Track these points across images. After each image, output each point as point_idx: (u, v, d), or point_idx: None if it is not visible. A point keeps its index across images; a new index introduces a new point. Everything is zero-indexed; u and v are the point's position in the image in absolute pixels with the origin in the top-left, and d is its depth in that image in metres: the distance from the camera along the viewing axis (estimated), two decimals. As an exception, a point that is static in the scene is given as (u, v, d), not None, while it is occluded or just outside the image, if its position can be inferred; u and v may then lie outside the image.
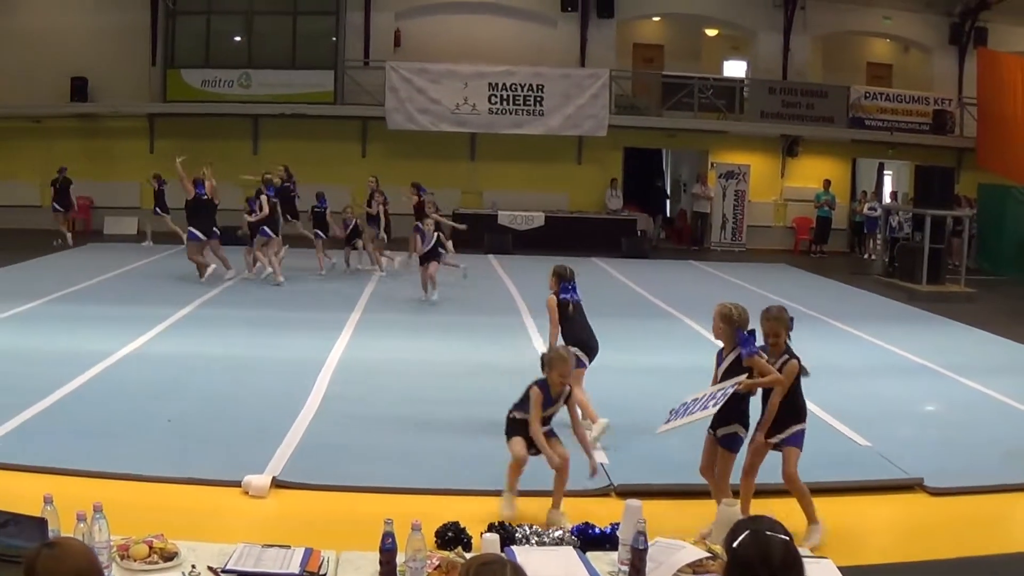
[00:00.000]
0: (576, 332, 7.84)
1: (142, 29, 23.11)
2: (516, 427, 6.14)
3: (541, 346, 11.28)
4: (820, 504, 6.18)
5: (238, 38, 23.49)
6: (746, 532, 2.75)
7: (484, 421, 8.29)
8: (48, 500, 3.94)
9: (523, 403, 6.14)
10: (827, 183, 23.78)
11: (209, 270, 15.87)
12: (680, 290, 16.45)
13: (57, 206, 19.92)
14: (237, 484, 6.43)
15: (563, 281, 7.98)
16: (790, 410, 5.91)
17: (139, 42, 23.08)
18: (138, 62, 23.04)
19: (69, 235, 19.84)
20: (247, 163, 22.72)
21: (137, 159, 22.52)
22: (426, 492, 6.50)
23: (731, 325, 5.90)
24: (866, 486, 6.96)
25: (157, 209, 20.00)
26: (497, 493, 6.28)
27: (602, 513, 6.08)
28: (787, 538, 2.75)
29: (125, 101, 22.99)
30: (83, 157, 22.23)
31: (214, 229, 16.10)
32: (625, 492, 6.43)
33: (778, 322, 6.05)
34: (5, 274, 16.30)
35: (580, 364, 7.61)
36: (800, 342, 12.06)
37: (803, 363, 6.02)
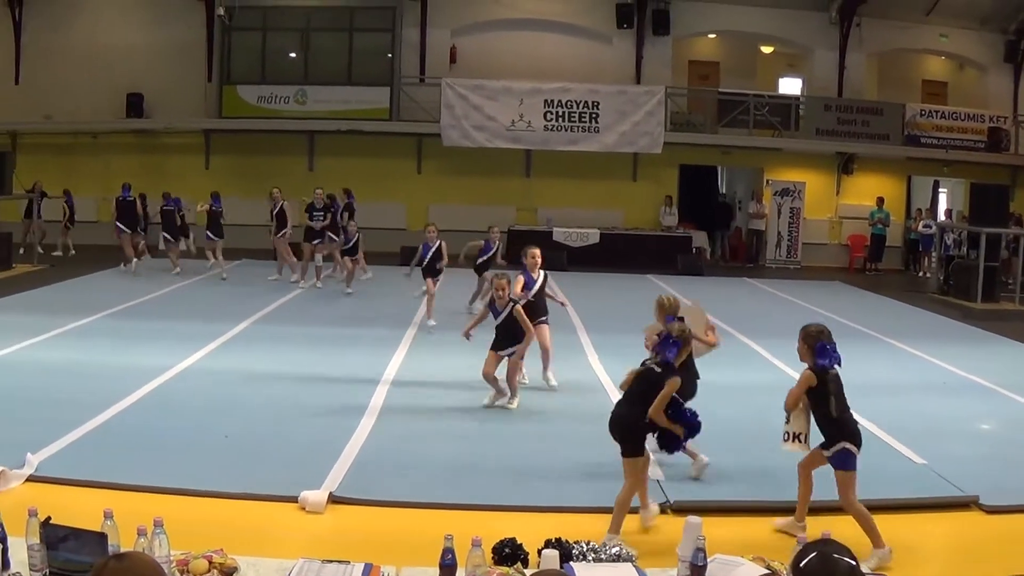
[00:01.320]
0: None
1: (198, 45, 23.25)
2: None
3: (597, 363, 11.39)
4: (875, 521, 6.12)
5: (294, 54, 23.52)
6: (813, 554, 2.78)
7: (539, 436, 8.30)
8: (108, 515, 3.93)
9: None
10: (881, 200, 23.56)
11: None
12: (735, 308, 16.26)
13: (121, 226, 19.29)
14: (294, 499, 6.39)
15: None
16: (830, 423, 5.96)
17: (195, 58, 23.23)
18: (194, 78, 23.16)
19: (134, 260, 18.58)
20: (303, 179, 22.79)
21: (193, 175, 22.57)
22: (483, 508, 6.43)
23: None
24: (922, 504, 6.86)
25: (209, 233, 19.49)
26: (556, 509, 6.38)
27: (657, 530, 6.09)
28: (853, 562, 2.75)
29: (181, 117, 23.09)
30: (139, 173, 22.19)
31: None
32: (681, 509, 6.40)
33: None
34: (63, 288, 16.40)
35: None
36: (855, 360, 11.91)
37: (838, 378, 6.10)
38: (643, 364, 6.31)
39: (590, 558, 5.10)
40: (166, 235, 18.79)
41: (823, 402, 5.96)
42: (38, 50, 23.74)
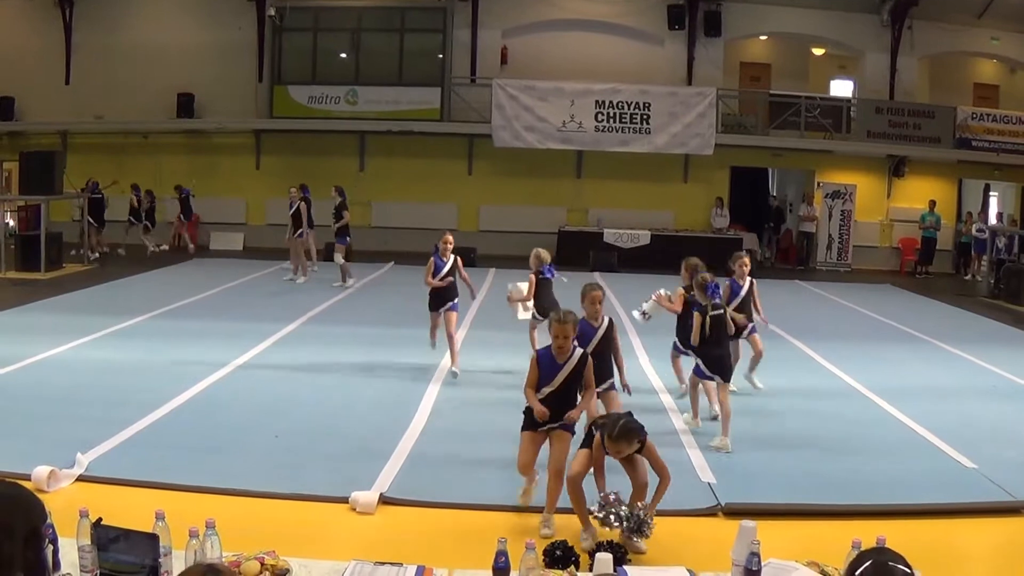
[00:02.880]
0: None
1: (249, 46, 23.27)
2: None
3: (647, 364, 11.26)
4: (925, 527, 6.24)
5: (345, 55, 23.50)
6: (869, 562, 2.79)
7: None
8: (160, 516, 3.94)
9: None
10: (932, 204, 23.34)
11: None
12: (786, 311, 16.14)
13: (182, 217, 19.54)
14: (344, 500, 6.33)
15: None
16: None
17: (246, 58, 23.25)
18: (245, 78, 23.18)
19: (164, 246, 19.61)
20: (354, 180, 22.80)
21: (244, 175, 22.62)
22: (535, 511, 6.32)
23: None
24: (972, 508, 6.76)
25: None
26: None
27: (709, 533, 6.00)
28: (908, 571, 2.76)
29: (232, 117, 23.13)
30: (189, 172, 22.36)
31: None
32: (733, 511, 6.33)
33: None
34: (114, 288, 16.48)
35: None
36: (905, 364, 11.85)
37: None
38: (708, 311, 8.07)
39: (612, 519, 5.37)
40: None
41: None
42: (88, 50, 23.84)
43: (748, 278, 9.87)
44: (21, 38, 24.16)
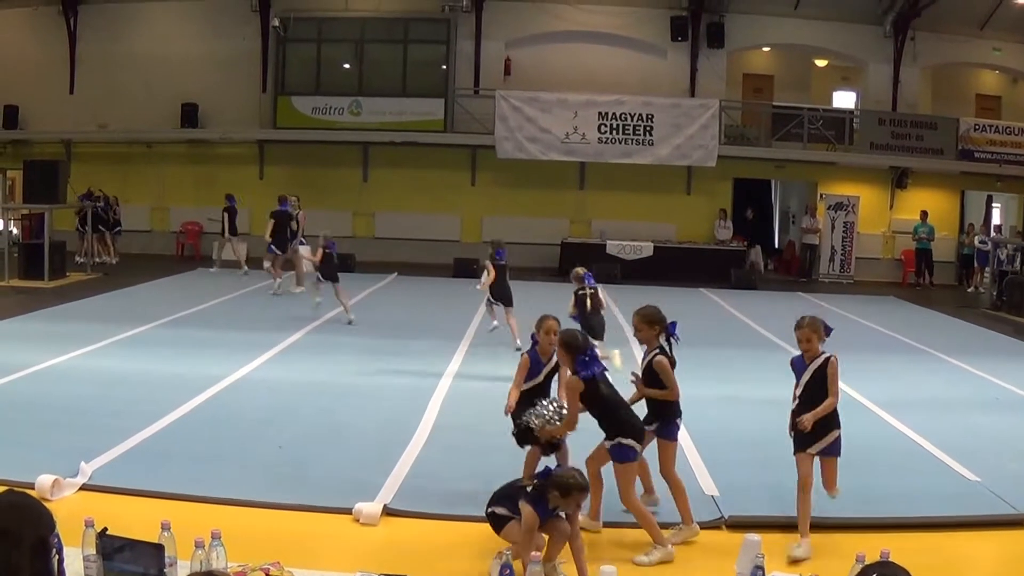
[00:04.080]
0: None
1: (253, 56, 23.33)
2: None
3: None
4: (928, 539, 6.23)
5: (348, 66, 23.55)
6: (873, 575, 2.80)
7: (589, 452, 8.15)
8: (166, 526, 3.99)
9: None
10: (924, 215, 23.34)
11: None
12: (789, 322, 16.07)
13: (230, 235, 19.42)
14: (348, 511, 6.31)
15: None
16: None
17: (250, 69, 23.31)
18: (249, 89, 23.25)
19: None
20: (358, 190, 22.87)
21: (247, 185, 22.61)
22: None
23: None
24: (975, 521, 6.74)
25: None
26: (613, 524, 6.26)
27: (713, 546, 5.99)
28: None
29: (235, 127, 23.16)
30: (193, 182, 22.39)
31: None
32: (736, 524, 6.33)
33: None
34: (116, 297, 16.48)
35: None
36: (908, 376, 11.79)
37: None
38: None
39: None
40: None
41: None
42: (93, 59, 23.91)
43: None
44: (25, 47, 24.23)
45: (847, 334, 15.50)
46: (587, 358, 5.93)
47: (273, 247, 16.99)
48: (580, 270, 10.93)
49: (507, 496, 5.50)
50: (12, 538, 2.86)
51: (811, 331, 6.17)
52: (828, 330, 6.30)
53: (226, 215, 20.09)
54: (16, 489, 3.08)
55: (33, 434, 7.95)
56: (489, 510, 5.57)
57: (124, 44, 23.66)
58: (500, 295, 12.37)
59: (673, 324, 6.41)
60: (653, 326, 6.36)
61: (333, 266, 14.25)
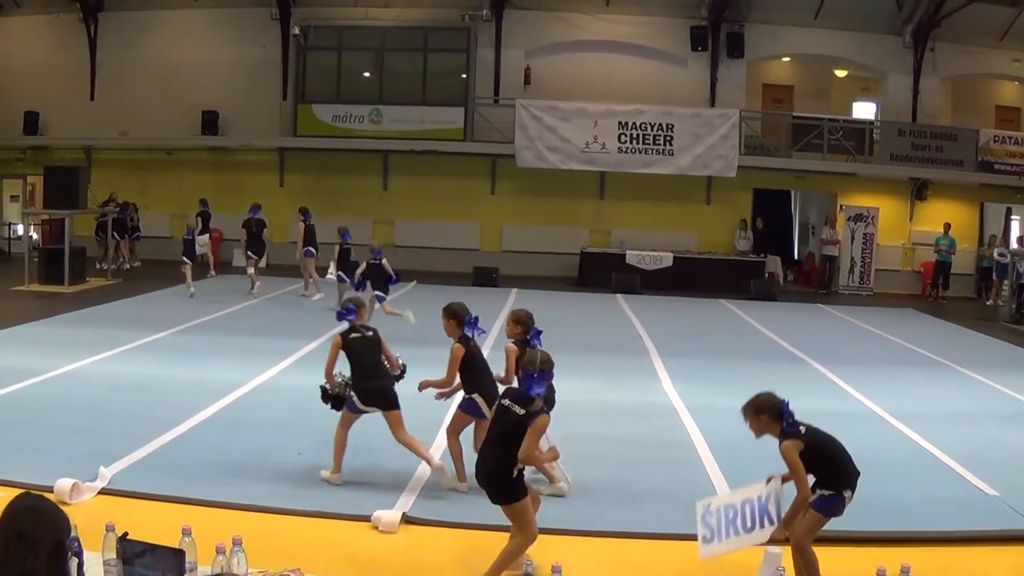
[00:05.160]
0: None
1: (273, 64, 23.37)
2: None
3: (671, 387, 11.23)
4: (949, 553, 6.25)
5: (368, 74, 23.57)
6: None
7: (612, 461, 8.16)
8: (186, 532, 3.99)
9: None
10: (947, 227, 23.26)
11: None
12: (808, 334, 16.19)
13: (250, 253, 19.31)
14: (366, 519, 6.33)
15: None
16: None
17: (270, 77, 23.35)
18: (269, 97, 23.28)
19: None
20: (378, 199, 22.87)
21: (267, 192, 22.61)
22: (559, 532, 6.32)
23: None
24: (992, 536, 6.70)
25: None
26: (630, 535, 6.31)
27: (733, 559, 5.92)
28: None
29: (256, 135, 23.19)
30: (213, 189, 22.38)
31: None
32: None
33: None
34: (135, 303, 16.53)
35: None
36: (926, 387, 11.79)
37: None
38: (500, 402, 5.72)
39: None
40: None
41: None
42: (113, 66, 23.98)
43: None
44: (46, 54, 24.31)
45: (866, 346, 15.68)
46: (474, 319, 7.19)
47: (250, 252, 18.02)
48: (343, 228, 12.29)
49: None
50: (29, 542, 2.87)
51: (746, 415, 5.77)
52: (769, 409, 5.76)
53: (199, 219, 20.44)
54: (33, 493, 3.08)
55: (52, 438, 8.00)
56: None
57: (144, 51, 23.72)
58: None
59: (537, 332, 7.32)
60: (516, 325, 7.44)
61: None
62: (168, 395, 9.75)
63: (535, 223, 22.87)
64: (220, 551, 3.83)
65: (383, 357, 7.53)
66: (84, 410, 9.02)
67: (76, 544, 3.50)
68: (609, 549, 6.18)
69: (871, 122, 24.65)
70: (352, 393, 7.19)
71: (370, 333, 7.50)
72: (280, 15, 23.20)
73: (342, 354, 7.35)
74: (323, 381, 7.34)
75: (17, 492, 3.11)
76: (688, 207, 23.33)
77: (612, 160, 22.64)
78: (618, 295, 20.39)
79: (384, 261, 14.10)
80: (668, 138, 22.59)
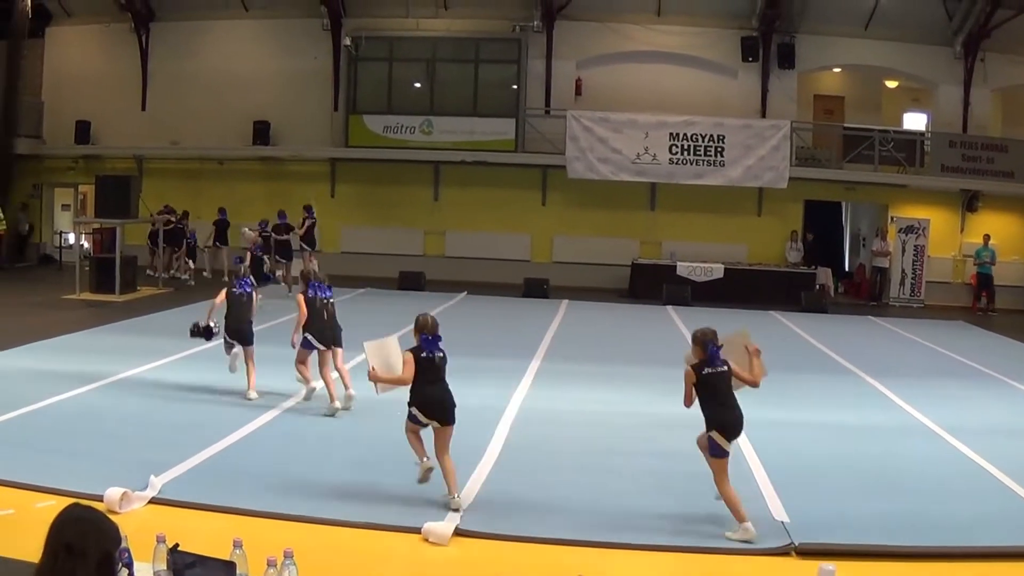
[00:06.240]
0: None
1: (324, 75, 23.45)
2: None
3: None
4: (1002, 569, 6.22)
5: (419, 85, 23.62)
6: None
7: (661, 474, 8.08)
8: (238, 544, 3.90)
9: None
10: (986, 238, 23.08)
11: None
12: (859, 346, 16.09)
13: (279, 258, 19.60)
14: (417, 531, 6.29)
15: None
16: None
17: (321, 87, 23.43)
18: (320, 107, 23.37)
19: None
20: (428, 209, 22.88)
21: (318, 203, 22.65)
22: (608, 546, 6.30)
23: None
24: None
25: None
26: (679, 549, 6.26)
27: (782, 574, 5.97)
28: None
29: (307, 145, 23.29)
30: (264, 199, 22.48)
31: None
32: (806, 551, 6.26)
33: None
34: (186, 312, 16.32)
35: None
36: (979, 401, 11.76)
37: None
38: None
39: None
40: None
41: None
42: (164, 76, 24.13)
43: None
44: (98, 64, 24.50)
45: (918, 359, 15.59)
46: (429, 339, 7.21)
47: (278, 257, 19.32)
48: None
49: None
50: (77, 553, 2.84)
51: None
52: (701, 341, 6.71)
53: (214, 227, 21.29)
54: (82, 503, 3.04)
55: (102, 447, 8.05)
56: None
57: (196, 61, 23.87)
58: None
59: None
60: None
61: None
62: (219, 405, 9.82)
63: (586, 234, 22.86)
64: (271, 564, 3.78)
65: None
66: (135, 419, 9.08)
67: (126, 555, 3.46)
68: (658, 562, 6.16)
69: (922, 133, 24.50)
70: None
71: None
72: (331, 26, 23.31)
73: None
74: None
75: (68, 501, 3.08)
76: (739, 218, 23.25)
77: (663, 171, 22.59)
78: (669, 307, 20.33)
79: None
80: (719, 149, 22.52)
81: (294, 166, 23.67)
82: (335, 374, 10.04)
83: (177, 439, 8.28)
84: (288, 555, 3.82)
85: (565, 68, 23.25)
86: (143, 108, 24.21)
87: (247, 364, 10.28)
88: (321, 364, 9.88)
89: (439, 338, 7.29)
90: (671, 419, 9.88)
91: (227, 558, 3.82)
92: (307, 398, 10.01)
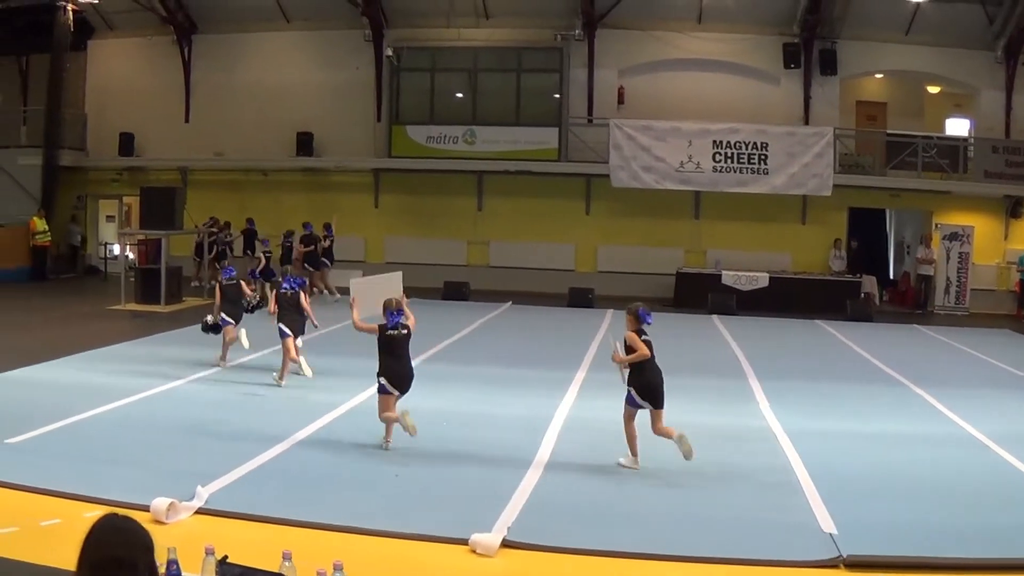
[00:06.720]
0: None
1: (367, 85, 23.53)
2: None
3: (768, 410, 11.09)
4: None
5: (462, 95, 23.66)
6: None
7: (709, 485, 8.03)
8: (287, 556, 3.88)
9: None
10: (1030, 244, 23.04)
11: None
12: (905, 355, 15.97)
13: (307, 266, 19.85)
14: (464, 542, 6.25)
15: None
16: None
17: (364, 98, 23.52)
18: (363, 118, 23.46)
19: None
20: (472, 219, 22.91)
21: (362, 213, 22.83)
22: (655, 557, 6.25)
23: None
24: None
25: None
26: (727, 561, 6.18)
27: None
28: None
29: (351, 156, 23.36)
30: (308, 210, 22.55)
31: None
32: (855, 564, 6.20)
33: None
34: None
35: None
36: (1020, 412, 11.46)
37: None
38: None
39: None
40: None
41: None
42: (207, 88, 24.26)
43: None
44: (141, 76, 24.66)
45: (963, 368, 15.45)
46: (394, 313, 8.75)
47: (307, 266, 19.81)
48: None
49: None
50: (127, 566, 2.74)
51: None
52: (633, 312, 8.43)
53: (242, 236, 21.65)
54: (119, 513, 2.91)
55: (149, 457, 8.08)
56: None
57: (238, 73, 23.99)
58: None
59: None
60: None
61: None
62: (265, 414, 9.87)
63: (630, 243, 22.84)
64: (321, 575, 3.80)
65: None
66: (181, 429, 9.13)
67: (175, 567, 3.48)
68: (706, 574, 6.14)
69: (964, 139, 24.37)
70: None
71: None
72: (373, 36, 23.39)
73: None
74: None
75: (115, 511, 2.98)
76: (783, 227, 23.18)
77: (707, 180, 22.53)
78: (714, 316, 20.30)
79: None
80: (763, 157, 22.44)
81: (338, 177, 23.75)
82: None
83: (224, 449, 8.35)
84: (338, 567, 3.79)
85: (607, 76, 23.24)
86: (186, 120, 24.35)
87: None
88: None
89: (401, 312, 8.83)
90: (717, 430, 9.99)
91: (276, 570, 3.81)
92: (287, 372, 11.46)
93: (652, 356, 8.23)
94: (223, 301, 12.47)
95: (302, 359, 11.83)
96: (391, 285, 9.99)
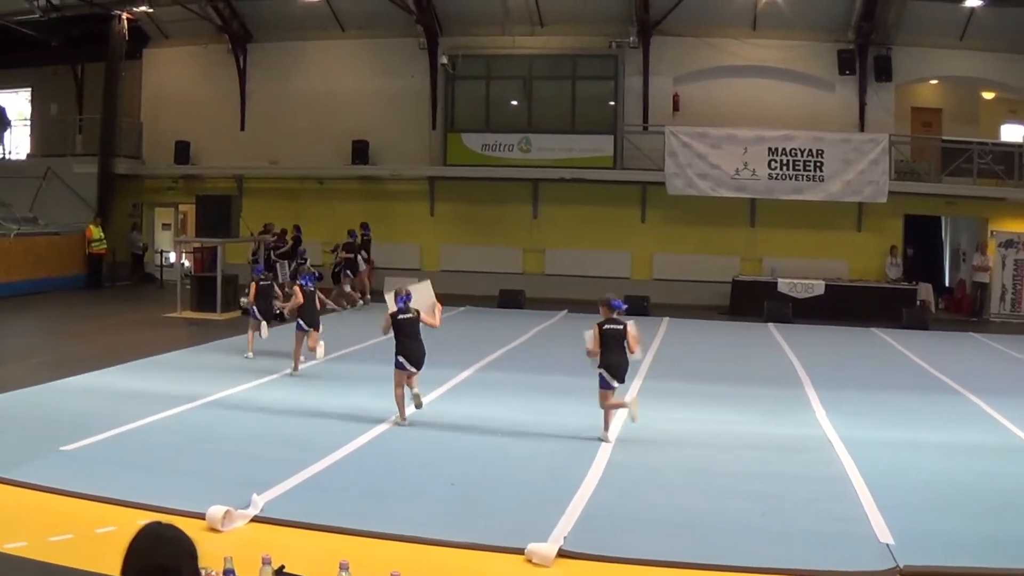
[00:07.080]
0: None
1: (422, 93, 23.62)
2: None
3: (824, 419, 11.03)
4: None
5: (517, 103, 23.72)
6: None
7: (764, 495, 7.99)
8: (344, 566, 3.88)
9: None
10: (1071, 251, 22.85)
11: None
12: (962, 363, 15.90)
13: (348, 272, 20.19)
14: (520, 551, 6.27)
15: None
16: None
17: (419, 106, 23.62)
18: (418, 126, 23.55)
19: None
20: (528, 227, 22.99)
21: (418, 221, 22.92)
22: (713, 568, 6.24)
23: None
24: None
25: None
26: (787, 571, 6.12)
27: None
28: None
29: (406, 164, 23.46)
30: (364, 218, 22.69)
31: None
32: (912, 574, 6.18)
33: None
34: (287, 331, 16.37)
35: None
36: None
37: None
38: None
39: None
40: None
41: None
42: (262, 97, 24.42)
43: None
44: (196, 85, 24.85)
45: (1019, 376, 15.35)
46: (402, 297, 10.01)
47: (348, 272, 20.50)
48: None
49: None
50: (172, 574, 2.71)
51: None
52: (605, 302, 9.75)
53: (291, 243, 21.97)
54: (162, 521, 2.90)
55: (205, 464, 8.16)
56: None
57: (293, 82, 24.14)
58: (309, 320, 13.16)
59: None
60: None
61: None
62: (322, 423, 9.91)
63: (686, 251, 22.85)
64: None
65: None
66: (236, 437, 9.21)
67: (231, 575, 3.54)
68: None
69: (1020, 145, 24.19)
70: None
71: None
72: (428, 45, 23.48)
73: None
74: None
75: (170, 519, 3.00)
76: (839, 234, 23.11)
77: (762, 187, 22.51)
78: (770, 324, 20.27)
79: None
80: (818, 164, 22.41)
81: (393, 185, 23.87)
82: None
83: (279, 457, 8.39)
84: (344, 567, 3.82)
85: (662, 84, 23.23)
86: (242, 128, 24.53)
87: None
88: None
89: (410, 296, 10.05)
90: (773, 439, 10.00)
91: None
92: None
93: (617, 341, 9.51)
94: (257, 298, 13.99)
95: (320, 346, 13.07)
96: (421, 294, 10.48)
